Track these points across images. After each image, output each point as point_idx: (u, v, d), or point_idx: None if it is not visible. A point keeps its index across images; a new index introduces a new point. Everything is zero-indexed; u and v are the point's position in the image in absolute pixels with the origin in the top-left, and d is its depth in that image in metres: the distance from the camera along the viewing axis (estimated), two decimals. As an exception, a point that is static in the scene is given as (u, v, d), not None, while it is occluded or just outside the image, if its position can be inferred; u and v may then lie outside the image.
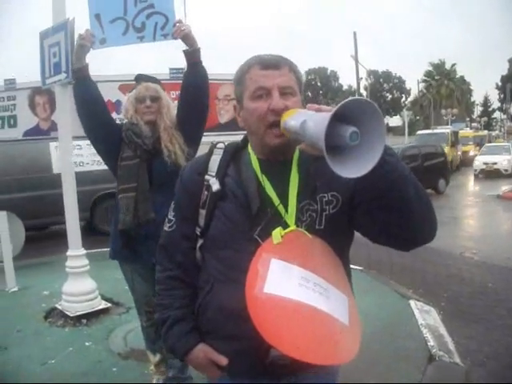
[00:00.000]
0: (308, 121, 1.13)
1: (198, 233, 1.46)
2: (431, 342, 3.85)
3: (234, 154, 1.47)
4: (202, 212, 1.43)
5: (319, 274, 1.32)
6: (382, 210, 1.26)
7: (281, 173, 1.39)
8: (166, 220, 1.55)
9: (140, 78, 2.78)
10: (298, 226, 1.34)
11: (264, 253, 1.31)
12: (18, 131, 8.28)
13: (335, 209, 1.38)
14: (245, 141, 1.49)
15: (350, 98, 1.05)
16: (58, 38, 3.84)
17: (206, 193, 1.42)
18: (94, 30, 2.81)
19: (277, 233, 1.32)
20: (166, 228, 1.54)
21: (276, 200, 1.35)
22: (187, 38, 2.68)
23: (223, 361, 1.38)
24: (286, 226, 1.34)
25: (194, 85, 2.69)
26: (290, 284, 1.26)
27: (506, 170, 20.77)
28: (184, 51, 2.70)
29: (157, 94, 2.72)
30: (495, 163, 20.86)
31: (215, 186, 1.40)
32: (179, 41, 2.73)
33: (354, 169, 1.08)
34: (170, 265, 1.51)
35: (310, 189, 1.37)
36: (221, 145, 1.50)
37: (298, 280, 1.27)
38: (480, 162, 21.49)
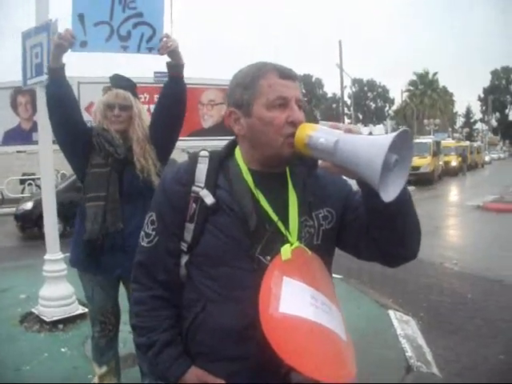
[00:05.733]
0: (341, 141, 1.14)
1: (185, 248, 1.36)
2: (409, 353, 3.87)
3: (221, 163, 1.38)
4: (189, 226, 1.33)
5: (322, 291, 1.30)
6: (380, 228, 1.29)
7: (274, 187, 1.34)
8: (143, 234, 1.42)
9: (114, 80, 2.70)
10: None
11: (276, 271, 1.25)
12: (-1, 130, 8.17)
13: (331, 224, 1.39)
14: (228, 149, 1.42)
15: (403, 129, 1.12)
16: (41, 38, 3.79)
17: (194, 205, 1.32)
18: (76, 30, 2.60)
19: (286, 249, 1.28)
20: (144, 244, 1.41)
21: (274, 216, 1.31)
22: (173, 55, 2.60)
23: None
24: (285, 243, 1.29)
25: (173, 98, 2.63)
26: (303, 303, 1.23)
27: None
28: (167, 63, 2.62)
29: (126, 102, 2.62)
30: None
31: (208, 198, 1.31)
32: None
33: (385, 193, 1.12)
34: (152, 283, 1.39)
35: (307, 205, 1.35)
36: (204, 152, 1.40)
37: (308, 299, 1.25)
38: None
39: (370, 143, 1.11)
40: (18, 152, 13.35)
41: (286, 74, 1.32)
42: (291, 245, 1.30)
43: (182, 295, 1.39)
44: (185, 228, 1.35)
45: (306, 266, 1.31)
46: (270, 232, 1.30)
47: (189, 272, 1.38)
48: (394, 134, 1.08)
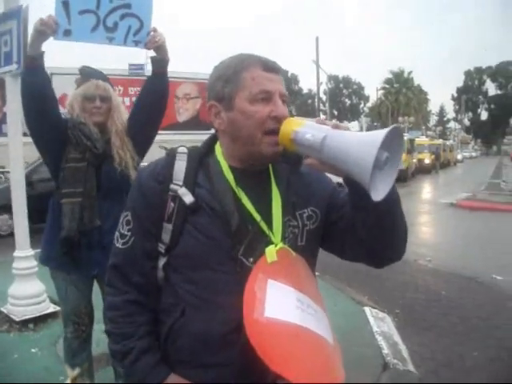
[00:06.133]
0: (329, 137, 1.09)
1: (162, 250, 1.29)
2: (385, 350, 3.88)
3: (200, 160, 1.31)
4: (167, 226, 1.27)
5: (307, 294, 1.26)
6: (368, 228, 1.24)
7: (256, 184, 1.29)
8: (118, 235, 1.34)
9: (86, 73, 2.60)
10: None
11: (260, 273, 1.20)
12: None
13: (315, 224, 1.34)
14: (208, 145, 1.36)
15: (394, 126, 1.07)
16: (10, 25, 3.60)
17: (172, 205, 1.26)
18: (59, 18, 2.41)
19: (271, 251, 1.23)
20: (118, 245, 1.33)
21: (256, 215, 1.25)
22: (159, 49, 2.54)
23: None
24: (268, 243, 1.24)
25: (156, 95, 2.59)
26: (289, 307, 1.19)
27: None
28: (152, 58, 2.57)
29: (107, 93, 2.56)
30: None
31: (187, 197, 1.24)
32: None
33: (375, 192, 1.09)
34: (127, 287, 1.31)
35: (290, 204, 1.30)
36: (182, 149, 1.33)
37: (294, 302, 1.20)
38: None
39: (359, 140, 1.06)
40: (-13, 144, 13.00)
41: (269, 67, 1.26)
42: (275, 245, 1.24)
43: (160, 299, 1.32)
44: (163, 228, 1.28)
45: (290, 267, 1.26)
46: (252, 232, 1.24)
47: (167, 275, 1.31)
48: (386, 130, 1.03)
